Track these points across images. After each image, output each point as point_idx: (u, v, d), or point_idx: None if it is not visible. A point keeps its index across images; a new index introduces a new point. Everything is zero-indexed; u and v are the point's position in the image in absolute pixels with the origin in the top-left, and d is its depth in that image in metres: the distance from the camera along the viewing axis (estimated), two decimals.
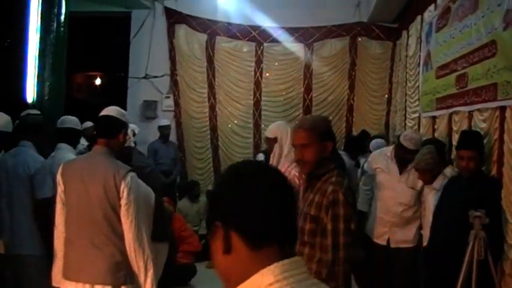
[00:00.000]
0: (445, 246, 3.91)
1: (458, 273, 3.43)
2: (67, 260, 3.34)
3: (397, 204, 5.05)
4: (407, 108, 7.96)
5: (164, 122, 9.26)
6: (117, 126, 3.44)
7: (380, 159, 5.29)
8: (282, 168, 3.98)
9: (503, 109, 4.05)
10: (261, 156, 6.60)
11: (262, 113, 10.08)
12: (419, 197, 5.03)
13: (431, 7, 6.64)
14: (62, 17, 7.13)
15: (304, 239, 2.88)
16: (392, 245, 5.07)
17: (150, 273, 3.30)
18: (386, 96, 9.88)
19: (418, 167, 4.65)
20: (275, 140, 4.33)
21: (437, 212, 4.18)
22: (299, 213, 2.96)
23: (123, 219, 3.24)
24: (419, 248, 4.97)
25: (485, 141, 4.37)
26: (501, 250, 3.87)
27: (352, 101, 10.04)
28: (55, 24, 7.02)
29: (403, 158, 5.04)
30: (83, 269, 3.25)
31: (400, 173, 5.08)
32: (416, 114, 7.31)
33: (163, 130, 9.16)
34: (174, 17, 10.14)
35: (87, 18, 10.57)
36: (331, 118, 9.58)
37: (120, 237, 3.27)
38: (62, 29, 7.15)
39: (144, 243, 3.30)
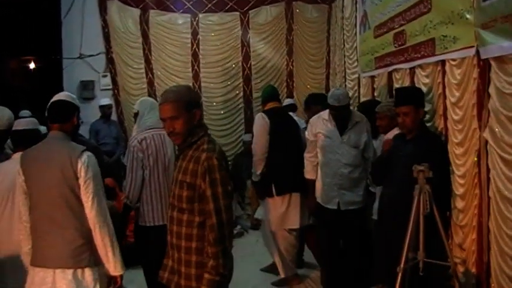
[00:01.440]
0: (393, 202, 3.97)
1: (406, 227, 3.49)
2: (34, 248, 3.36)
3: (343, 165, 5.05)
4: (347, 70, 8.03)
5: (105, 101, 9.00)
6: (70, 109, 3.49)
7: (319, 124, 5.22)
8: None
9: (444, 63, 4.12)
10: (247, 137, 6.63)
11: (202, 84, 9.95)
12: (363, 154, 5.08)
13: None
14: None
15: (182, 206, 2.94)
16: (342, 208, 5.08)
17: (118, 250, 3.37)
18: (325, 59, 9.96)
19: (380, 110, 4.75)
20: (137, 113, 4.65)
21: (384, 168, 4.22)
22: (172, 179, 3.08)
23: (84, 197, 3.27)
24: (368, 206, 5.04)
25: (430, 96, 4.44)
26: (448, 202, 3.97)
27: (291, 67, 10.07)
28: None
29: (339, 117, 5.05)
30: (47, 254, 3.27)
31: (341, 135, 5.07)
32: (356, 75, 7.39)
33: (105, 109, 8.90)
34: None
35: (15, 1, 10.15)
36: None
37: (80, 219, 3.30)
38: None
39: (108, 219, 3.36)
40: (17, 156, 3.64)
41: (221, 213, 2.86)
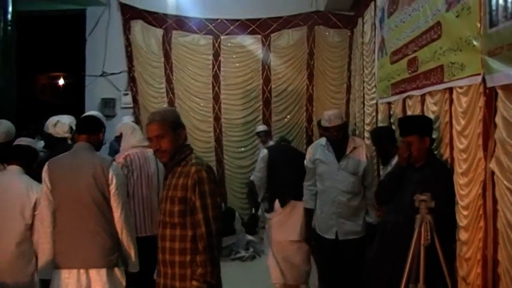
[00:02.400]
0: (397, 231, 3.88)
1: (406, 257, 3.39)
2: (59, 250, 3.59)
3: (341, 193, 4.93)
4: (365, 96, 7.95)
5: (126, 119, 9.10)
6: (99, 125, 3.94)
7: (317, 151, 5.15)
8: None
9: (451, 91, 4.03)
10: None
11: (222, 106, 10.02)
12: (363, 182, 4.96)
13: None
14: (9, 16, 6.95)
15: (175, 221, 3.07)
16: (341, 238, 4.96)
17: (135, 249, 3.74)
18: (345, 84, 9.91)
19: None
20: (120, 135, 5.14)
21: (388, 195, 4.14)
22: (162, 198, 3.22)
23: (114, 202, 3.62)
24: (367, 236, 4.91)
25: (437, 124, 4.35)
26: (452, 233, 3.85)
27: (311, 91, 10.05)
28: (2, 23, 6.83)
29: (332, 139, 4.99)
30: (77, 256, 3.54)
31: (339, 161, 4.97)
32: (374, 101, 7.29)
33: None
34: (130, 13, 9.97)
35: (43, 18, 10.38)
36: (291, 108, 9.67)
37: (109, 222, 3.63)
38: (10, 28, 6.97)
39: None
40: (12, 168, 3.82)
41: (210, 223, 3.02)
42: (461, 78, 3.71)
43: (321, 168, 5.07)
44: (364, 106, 8.04)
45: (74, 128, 4.95)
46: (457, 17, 3.75)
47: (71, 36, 10.71)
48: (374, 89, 7.26)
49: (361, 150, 4.96)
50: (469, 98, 3.63)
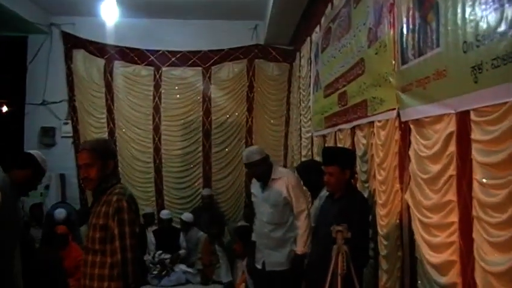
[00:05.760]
0: (316, 261, 3.94)
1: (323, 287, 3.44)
2: None
3: (264, 224, 4.98)
4: (302, 128, 8.08)
5: None
6: None
7: (254, 185, 5.22)
8: None
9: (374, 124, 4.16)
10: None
11: (162, 137, 9.97)
12: (288, 215, 4.96)
13: (318, 28, 6.80)
14: None
15: (96, 247, 3.12)
16: (268, 268, 4.98)
17: None
18: (284, 117, 10.05)
19: None
20: None
21: (313, 227, 4.22)
22: (88, 225, 3.27)
23: None
24: (295, 267, 4.89)
25: (366, 157, 4.46)
26: (364, 259, 3.91)
27: (251, 123, 10.10)
28: None
29: (251, 174, 5.19)
30: None
31: (263, 192, 5.03)
32: (310, 134, 7.43)
33: None
34: (72, 42, 9.91)
35: None
36: (231, 140, 9.73)
37: None
38: None
39: None
40: None
41: (126, 251, 3.07)
42: (380, 113, 3.86)
43: (254, 201, 5.19)
44: (301, 139, 8.17)
45: None
46: (376, 53, 3.92)
47: (11, 63, 10.51)
48: (309, 122, 7.40)
49: (283, 181, 4.93)
50: (386, 132, 3.77)
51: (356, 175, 4.50)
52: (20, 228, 3.98)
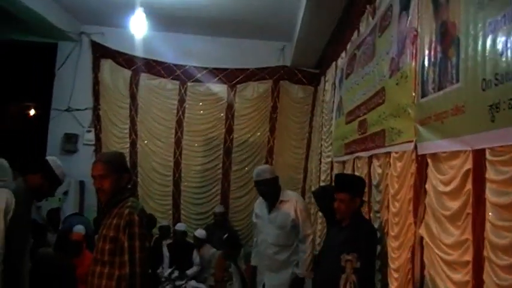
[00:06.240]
0: None
1: None
2: None
3: (269, 246, 4.99)
4: (322, 153, 8.04)
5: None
6: None
7: (259, 205, 5.25)
8: None
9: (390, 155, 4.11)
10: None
11: (183, 151, 10.01)
12: (293, 238, 4.95)
13: (343, 54, 6.78)
14: None
15: (104, 259, 3.18)
16: None
17: None
18: (306, 140, 10.02)
19: None
20: None
21: (318, 255, 4.18)
22: (98, 236, 3.33)
23: None
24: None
25: (380, 187, 4.40)
26: None
27: (272, 143, 10.09)
28: None
29: (260, 192, 5.11)
30: None
31: (269, 213, 5.02)
32: (330, 159, 7.37)
33: None
34: (100, 51, 10.06)
35: (13, 46, 10.33)
36: (251, 159, 9.68)
37: None
38: None
39: None
40: None
41: (135, 265, 3.11)
42: (398, 144, 3.81)
43: (257, 222, 5.18)
44: (320, 163, 8.12)
45: None
46: (396, 84, 3.88)
47: (41, 68, 10.67)
48: (330, 147, 7.35)
49: (291, 204, 4.97)
50: (402, 164, 3.71)
51: (366, 204, 4.46)
52: (30, 231, 3.99)
